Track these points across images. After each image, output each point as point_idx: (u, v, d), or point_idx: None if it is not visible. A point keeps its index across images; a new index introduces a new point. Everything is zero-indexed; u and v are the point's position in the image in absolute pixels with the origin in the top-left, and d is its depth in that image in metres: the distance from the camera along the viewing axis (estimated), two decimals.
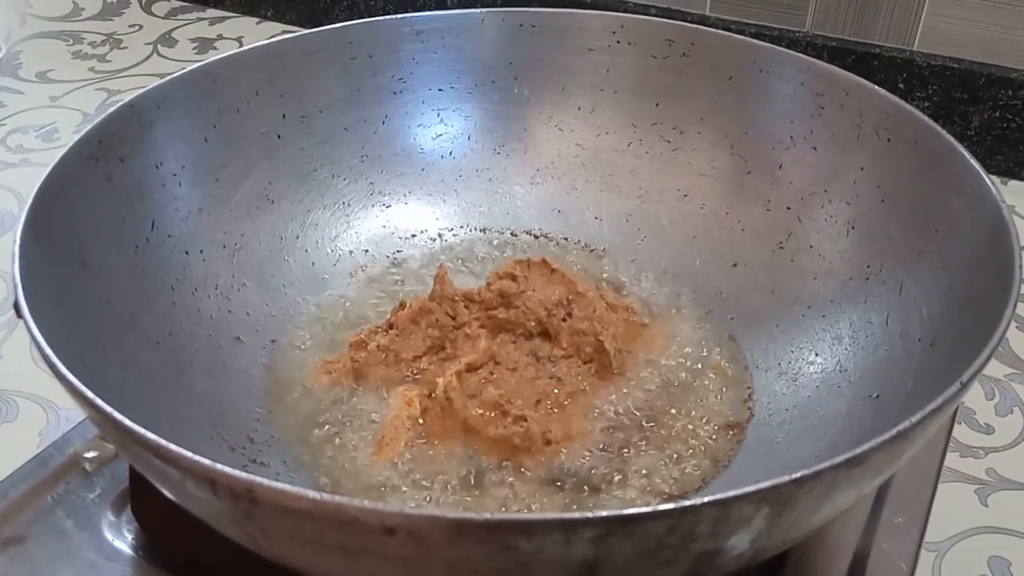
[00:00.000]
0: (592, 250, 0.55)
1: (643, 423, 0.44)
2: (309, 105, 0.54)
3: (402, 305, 0.48)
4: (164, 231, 0.47)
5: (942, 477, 0.51)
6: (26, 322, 0.35)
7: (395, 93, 0.56)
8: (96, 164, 0.44)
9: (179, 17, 1.14)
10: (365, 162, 0.56)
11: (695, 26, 0.56)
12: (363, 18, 0.55)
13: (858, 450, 0.28)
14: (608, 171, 0.57)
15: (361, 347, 0.47)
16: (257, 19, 1.13)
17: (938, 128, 0.45)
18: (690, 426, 0.44)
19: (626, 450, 0.43)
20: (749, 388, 0.47)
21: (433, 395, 0.44)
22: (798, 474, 0.27)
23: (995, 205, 0.40)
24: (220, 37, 1.10)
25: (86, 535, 0.41)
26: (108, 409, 0.31)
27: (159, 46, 1.07)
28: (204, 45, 1.08)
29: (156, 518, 0.42)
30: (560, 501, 0.41)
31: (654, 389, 0.46)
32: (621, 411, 0.45)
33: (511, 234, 0.56)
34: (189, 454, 0.29)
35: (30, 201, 0.40)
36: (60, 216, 0.41)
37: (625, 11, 0.76)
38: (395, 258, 0.55)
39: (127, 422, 0.30)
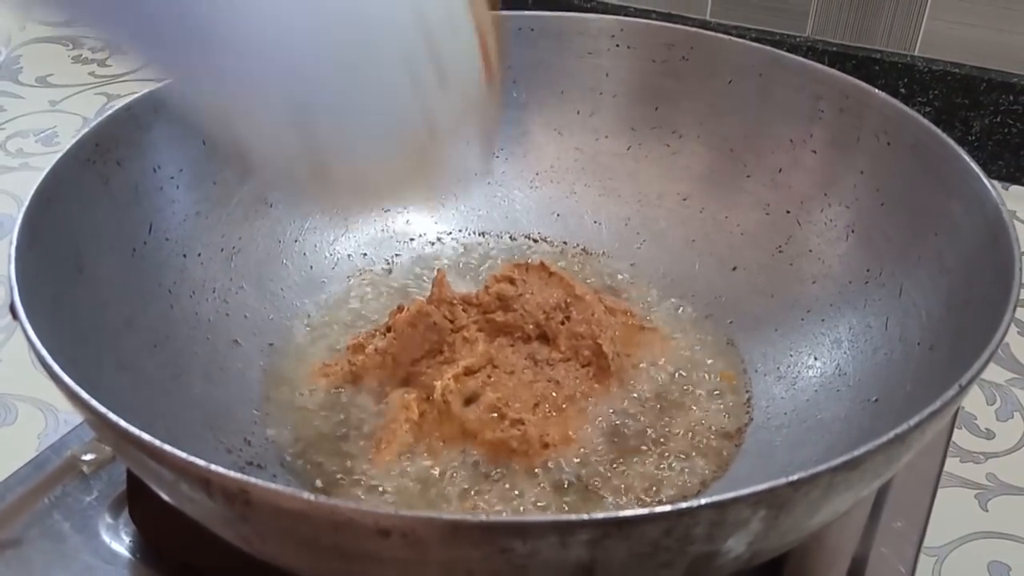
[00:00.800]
0: (591, 254, 0.55)
1: (642, 427, 0.44)
2: None
3: (400, 309, 0.48)
4: (161, 234, 0.47)
5: (942, 482, 0.51)
6: (22, 325, 0.35)
7: None
8: (93, 167, 0.44)
9: None
10: None
11: (694, 30, 0.55)
12: None
13: (855, 453, 0.28)
14: (607, 175, 0.57)
15: (359, 350, 0.47)
16: None
17: (938, 131, 0.45)
18: (689, 430, 0.44)
19: (625, 454, 0.43)
20: (748, 392, 0.47)
21: (431, 398, 0.44)
22: (795, 477, 0.27)
23: (995, 208, 0.40)
24: None
25: (83, 538, 0.41)
26: (103, 410, 0.31)
27: None
28: None
29: (153, 521, 0.42)
30: (558, 504, 0.41)
31: (652, 393, 0.46)
32: (619, 415, 0.45)
33: (510, 238, 0.56)
34: (184, 455, 0.29)
35: (26, 204, 0.40)
36: (57, 219, 0.41)
37: (626, 15, 0.76)
38: (393, 262, 0.55)
39: (122, 423, 0.30)
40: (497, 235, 0.56)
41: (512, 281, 0.48)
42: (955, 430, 0.61)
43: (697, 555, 0.29)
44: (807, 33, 0.88)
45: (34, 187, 0.40)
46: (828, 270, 0.49)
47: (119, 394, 0.38)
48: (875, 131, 0.48)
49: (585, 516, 0.27)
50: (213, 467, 0.28)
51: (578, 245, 0.56)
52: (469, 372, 0.45)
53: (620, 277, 0.54)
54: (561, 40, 0.57)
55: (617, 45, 0.56)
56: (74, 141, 0.44)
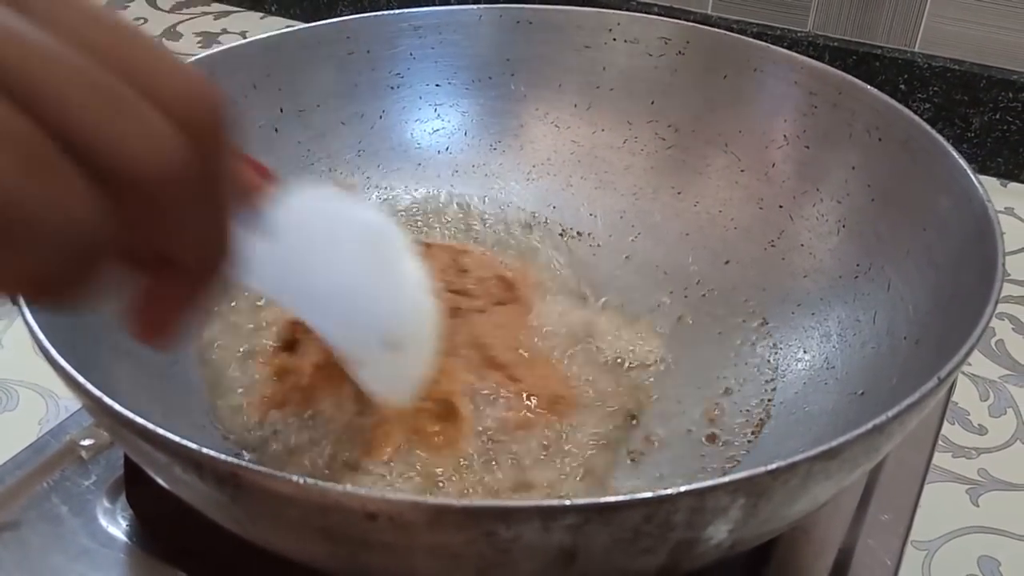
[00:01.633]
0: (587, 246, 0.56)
1: (629, 415, 0.45)
2: (307, 99, 0.55)
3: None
4: None
5: (934, 477, 0.52)
6: (21, 310, 0.35)
7: (392, 88, 0.57)
8: None
9: (184, 11, 1.15)
10: (362, 156, 0.56)
11: (691, 24, 0.56)
12: (366, 12, 0.56)
13: (834, 443, 0.29)
14: (603, 168, 0.57)
15: (288, 373, 0.44)
16: (261, 14, 1.14)
17: (928, 128, 0.46)
18: (675, 420, 0.45)
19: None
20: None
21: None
22: (773, 465, 0.28)
23: (982, 204, 0.41)
24: (224, 31, 1.10)
25: (80, 521, 0.42)
26: (99, 394, 0.31)
27: (164, 40, 1.08)
28: (208, 39, 1.08)
29: (150, 505, 0.42)
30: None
31: (640, 385, 0.47)
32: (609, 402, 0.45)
33: (504, 231, 0.57)
34: (176, 438, 0.29)
35: None
36: None
37: (628, 9, 0.76)
38: None
39: (117, 407, 0.31)
40: (492, 226, 0.57)
41: None
42: (948, 425, 0.61)
43: (678, 541, 0.29)
44: (808, 28, 0.88)
45: None
46: (819, 264, 0.49)
47: (116, 380, 0.39)
48: (867, 127, 0.49)
49: (567, 502, 0.27)
50: (204, 450, 0.29)
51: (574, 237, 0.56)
52: None
53: (615, 270, 0.54)
54: (559, 33, 0.57)
55: (614, 39, 0.57)
56: None
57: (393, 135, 0.57)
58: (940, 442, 0.51)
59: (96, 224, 0.20)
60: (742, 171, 0.54)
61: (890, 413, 0.30)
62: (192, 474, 0.30)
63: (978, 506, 0.57)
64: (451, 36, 0.57)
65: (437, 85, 0.57)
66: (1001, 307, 0.71)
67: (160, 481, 0.34)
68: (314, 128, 0.55)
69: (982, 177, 0.47)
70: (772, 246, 0.52)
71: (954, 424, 0.62)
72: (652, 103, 0.57)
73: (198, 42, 1.08)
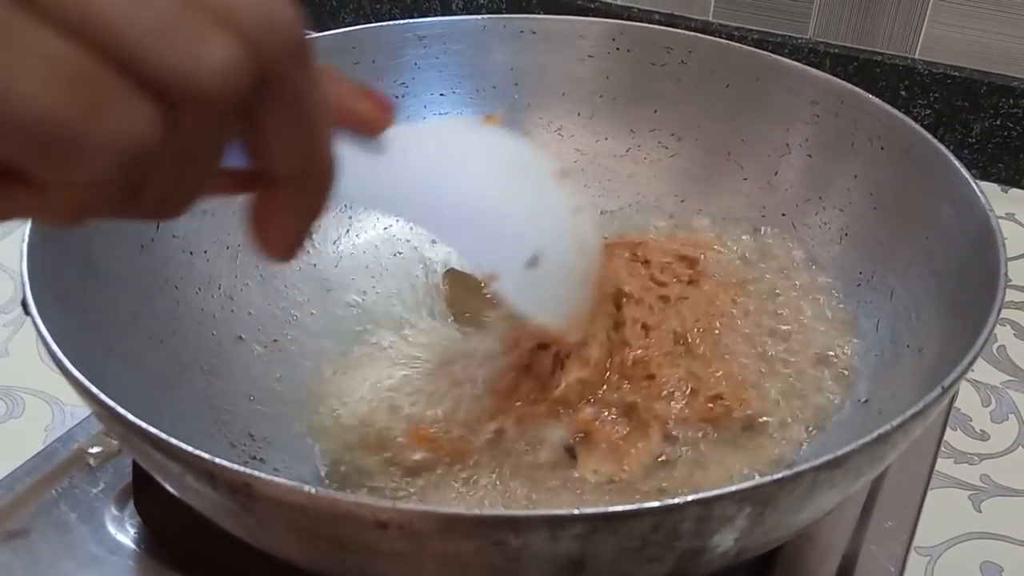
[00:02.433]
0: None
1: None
2: None
3: None
4: (169, 231, 0.47)
5: (936, 483, 0.52)
6: (33, 319, 0.35)
7: (398, 97, 0.57)
8: None
9: None
10: None
11: (693, 34, 0.56)
12: (369, 21, 0.56)
13: (838, 452, 0.29)
14: (606, 176, 0.58)
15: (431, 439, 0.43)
16: None
17: (929, 137, 0.46)
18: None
19: None
20: None
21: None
22: (779, 475, 0.28)
23: (983, 213, 0.41)
24: None
25: (89, 528, 0.42)
26: (111, 404, 0.32)
27: None
28: None
29: (158, 512, 0.42)
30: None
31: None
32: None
33: None
34: (189, 448, 0.30)
35: None
36: None
37: (628, 17, 0.77)
38: (397, 259, 0.55)
39: (130, 416, 0.31)
40: None
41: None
42: (951, 431, 0.61)
43: (685, 550, 0.30)
44: (809, 35, 0.89)
45: None
46: (822, 272, 0.50)
47: (125, 387, 0.39)
48: (869, 136, 0.49)
49: (575, 511, 0.27)
50: (218, 460, 0.29)
51: None
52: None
53: None
54: (563, 43, 0.58)
55: (618, 48, 0.57)
56: None
57: None
58: (942, 448, 0.51)
59: (145, 133, 0.20)
60: (745, 179, 0.54)
61: (894, 423, 0.30)
62: (204, 483, 0.30)
63: (981, 512, 0.57)
64: (456, 46, 0.57)
65: (442, 94, 0.58)
66: (1003, 313, 0.71)
67: (170, 489, 0.34)
68: None
69: (983, 183, 0.48)
70: None
71: (956, 430, 0.63)
72: (655, 112, 0.57)
73: None
